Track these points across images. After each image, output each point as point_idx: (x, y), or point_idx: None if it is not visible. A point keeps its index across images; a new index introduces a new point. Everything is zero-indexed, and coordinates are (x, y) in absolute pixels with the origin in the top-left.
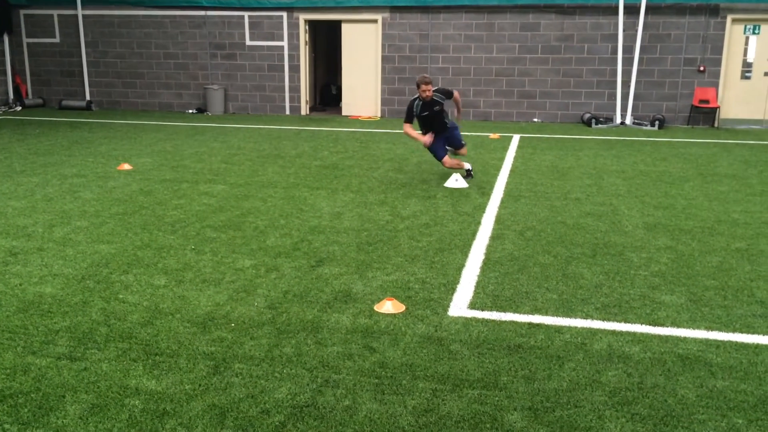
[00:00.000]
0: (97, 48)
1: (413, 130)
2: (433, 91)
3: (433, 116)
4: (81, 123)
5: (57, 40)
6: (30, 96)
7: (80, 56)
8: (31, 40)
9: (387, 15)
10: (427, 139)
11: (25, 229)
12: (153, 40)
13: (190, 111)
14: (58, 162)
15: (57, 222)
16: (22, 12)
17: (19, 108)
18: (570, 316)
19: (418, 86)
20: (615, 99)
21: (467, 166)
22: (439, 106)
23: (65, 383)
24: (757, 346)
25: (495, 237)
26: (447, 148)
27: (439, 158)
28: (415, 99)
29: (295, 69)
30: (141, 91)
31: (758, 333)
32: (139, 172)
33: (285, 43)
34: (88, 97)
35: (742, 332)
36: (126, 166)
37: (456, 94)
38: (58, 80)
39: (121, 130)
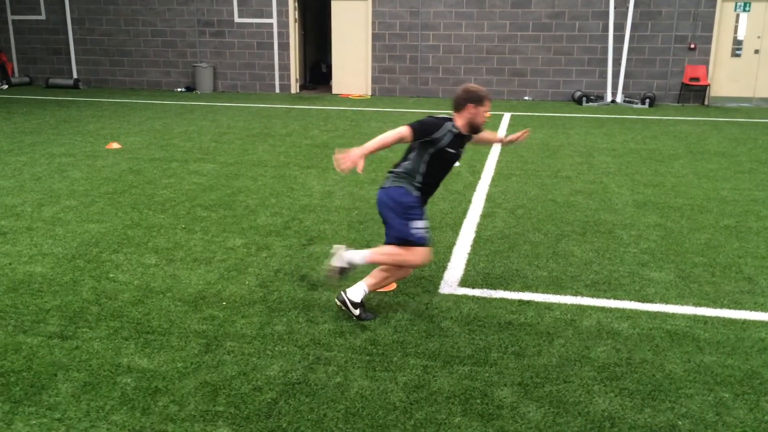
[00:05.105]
0: (83, 25)
1: (391, 138)
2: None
3: (455, 159)
4: (68, 101)
5: (43, 17)
6: (16, 74)
7: (66, 33)
8: (16, 18)
9: None
10: (354, 162)
11: (13, 208)
12: (140, 17)
13: (179, 89)
14: (45, 141)
15: (46, 201)
16: None
17: (5, 86)
18: (560, 293)
19: (480, 101)
20: (606, 77)
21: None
22: (463, 148)
23: (57, 362)
24: (744, 322)
25: (486, 215)
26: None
27: (411, 238)
28: (450, 120)
29: (284, 47)
30: (129, 69)
31: (746, 309)
32: (128, 150)
33: (274, 21)
34: (75, 75)
35: (729, 308)
36: (115, 145)
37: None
38: (45, 58)
39: (109, 109)
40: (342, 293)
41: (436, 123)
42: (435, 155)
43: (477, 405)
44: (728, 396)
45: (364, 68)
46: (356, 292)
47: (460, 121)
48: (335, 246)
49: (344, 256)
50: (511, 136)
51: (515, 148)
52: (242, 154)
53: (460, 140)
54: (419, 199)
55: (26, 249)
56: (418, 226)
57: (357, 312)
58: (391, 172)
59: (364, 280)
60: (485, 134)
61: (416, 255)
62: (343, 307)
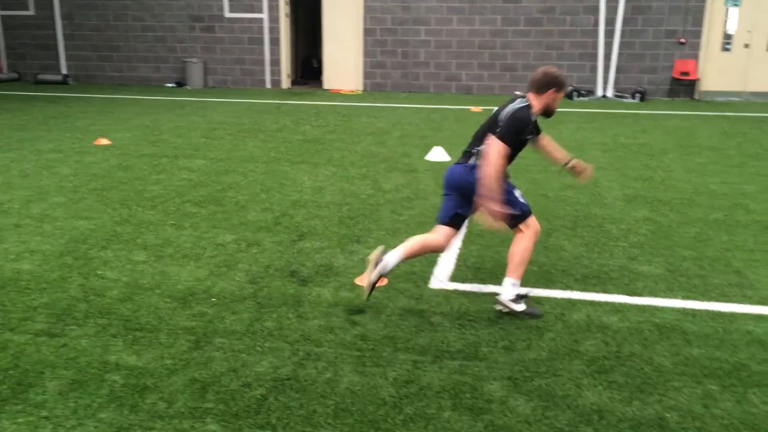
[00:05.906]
0: (72, 20)
1: (500, 163)
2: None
3: (528, 142)
4: (57, 97)
5: (31, 12)
6: (5, 70)
7: (55, 29)
8: (4, 13)
9: None
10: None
11: (1, 205)
12: (129, 12)
13: (169, 85)
14: (34, 137)
15: (34, 198)
16: None
17: None
18: (550, 288)
19: (561, 87)
20: (597, 71)
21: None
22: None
23: (44, 359)
24: (732, 315)
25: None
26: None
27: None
28: (529, 107)
29: (275, 42)
30: (118, 65)
31: (734, 302)
32: (118, 147)
33: (265, 15)
34: (64, 71)
35: (718, 301)
36: (104, 141)
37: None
38: (34, 54)
39: (98, 105)
40: (384, 256)
41: (525, 121)
42: (518, 144)
43: (467, 399)
44: (716, 388)
45: (355, 63)
46: (393, 260)
47: (537, 105)
48: (502, 305)
49: (512, 293)
50: (580, 166)
51: None
52: (232, 149)
53: (536, 125)
54: None
55: (13, 246)
56: (518, 194)
57: (375, 279)
58: (469, 151)
59: (402, 247)
60: (554, 149)
61: (534, 224)
62: (374, 266)
